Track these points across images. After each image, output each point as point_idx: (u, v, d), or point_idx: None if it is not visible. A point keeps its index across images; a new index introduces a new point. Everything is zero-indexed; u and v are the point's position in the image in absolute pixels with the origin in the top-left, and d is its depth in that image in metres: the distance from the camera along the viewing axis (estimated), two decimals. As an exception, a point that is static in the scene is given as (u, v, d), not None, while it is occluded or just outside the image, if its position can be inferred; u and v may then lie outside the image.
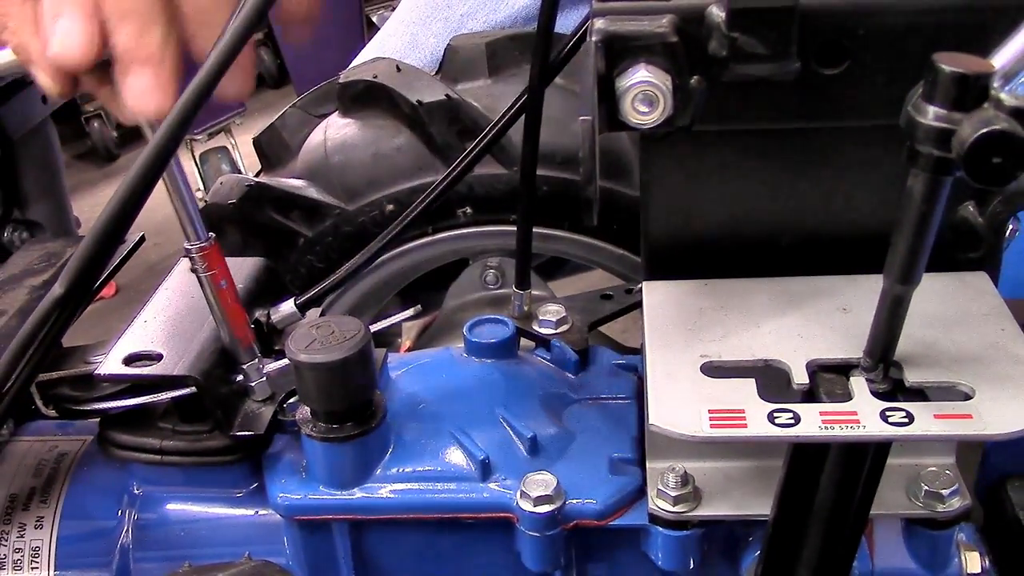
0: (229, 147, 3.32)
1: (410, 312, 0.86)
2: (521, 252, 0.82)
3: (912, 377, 0.57)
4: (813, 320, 0.62)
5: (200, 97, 0.58)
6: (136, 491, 0.79)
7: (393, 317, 0.84)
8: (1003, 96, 0.44)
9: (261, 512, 0.77)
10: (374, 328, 0.74)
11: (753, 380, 0.58)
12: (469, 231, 1.12)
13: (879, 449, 0.58)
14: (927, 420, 0.54)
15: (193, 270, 0.73)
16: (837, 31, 0.56)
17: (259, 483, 0.76)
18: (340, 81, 1.17)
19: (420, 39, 1.26)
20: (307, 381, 0.68)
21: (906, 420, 0.54)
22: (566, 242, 1.11)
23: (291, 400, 0.78)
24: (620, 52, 0.56)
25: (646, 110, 0.56)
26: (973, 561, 0.69)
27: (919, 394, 0.56)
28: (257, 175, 1.21)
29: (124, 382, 0.76)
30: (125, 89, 0.62)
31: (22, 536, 0.77)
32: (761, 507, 0.64)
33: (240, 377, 0.77)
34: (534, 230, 0.81)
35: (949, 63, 0.45)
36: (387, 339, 1.35)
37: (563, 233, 1.10)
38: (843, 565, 0.61)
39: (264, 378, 0.77)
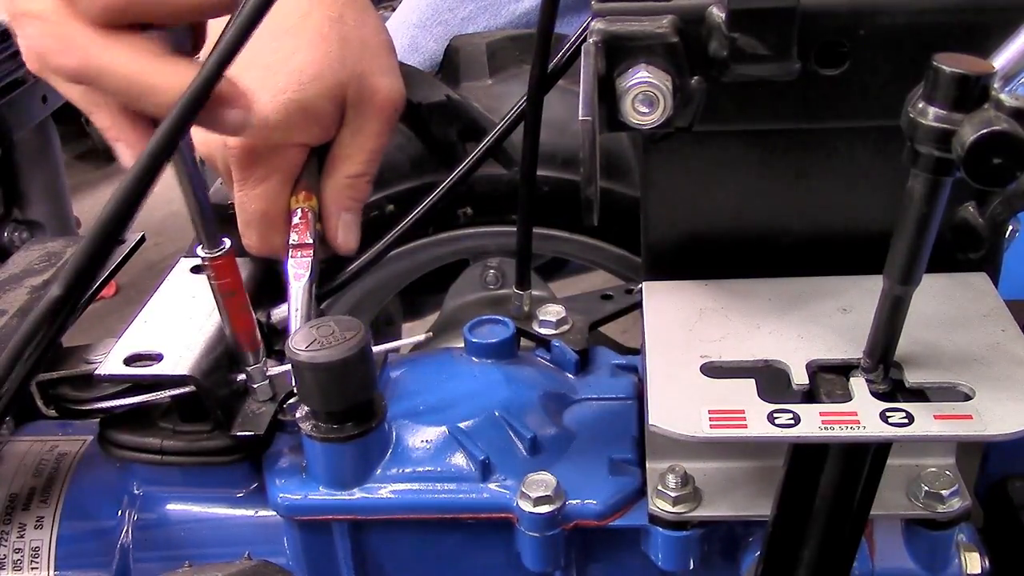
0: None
1: (420, 338, 0.87)
2: (521, 252, 0.82)
3: (912, 378, 0.57)
4: (813, 320, 0.62)
5: (199, 99, 0.58)
6: (136, 491, 0.79)
7: (402, 341, 0.85)
8: (1003, 97, 0.45)
9: (261, 512, 0.77)
10: (382, 348, 0.74)
11: (753, 380, 0.57)
12: (469, 231, 1.12)
13: (879, 450, 0.58)
14: (927, 421, 0.54)
15: (199, 269, 0.72)
16: (837, 32, 0.56)
17: (259, 483, 0.76)
18: (340, 81, 1.17)
19: (420, 42, 1.26)
20: (307, 381, 0.68)
21: (906, 421, 0.54)
22: (566, 242, 1.11)
23: (291, 400, 0.78)
24: (620, 52, 0.56)
25: (646, 111, 0.56)
26: (973, 561, 0.69)
27: (919, 395, 0.56)
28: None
29: (124, 382, 0.76)
30: None
31: (22, 536, 0.77)
32: (761, 507, 0.64)
33: (241, 377, 0.77)
34: (534, 230, 0.81)
35: (949, 64, 0.45)
36: (386, 340, 1.34)
37: (563, 233, 1.10)
38: (843, 565, 0.61)
39: (267, 380, 0.77)
